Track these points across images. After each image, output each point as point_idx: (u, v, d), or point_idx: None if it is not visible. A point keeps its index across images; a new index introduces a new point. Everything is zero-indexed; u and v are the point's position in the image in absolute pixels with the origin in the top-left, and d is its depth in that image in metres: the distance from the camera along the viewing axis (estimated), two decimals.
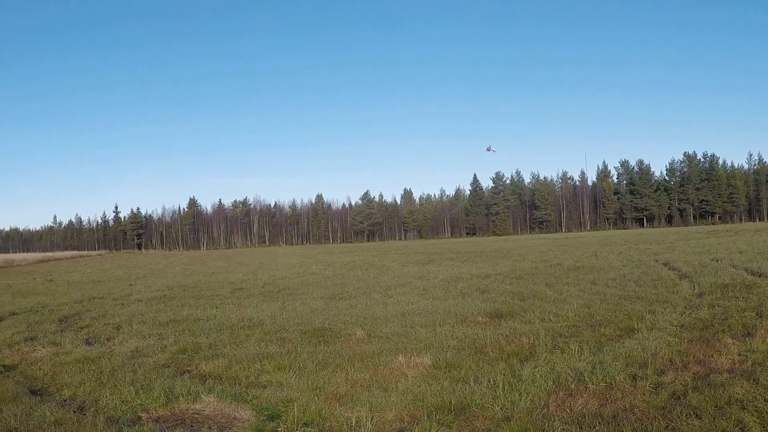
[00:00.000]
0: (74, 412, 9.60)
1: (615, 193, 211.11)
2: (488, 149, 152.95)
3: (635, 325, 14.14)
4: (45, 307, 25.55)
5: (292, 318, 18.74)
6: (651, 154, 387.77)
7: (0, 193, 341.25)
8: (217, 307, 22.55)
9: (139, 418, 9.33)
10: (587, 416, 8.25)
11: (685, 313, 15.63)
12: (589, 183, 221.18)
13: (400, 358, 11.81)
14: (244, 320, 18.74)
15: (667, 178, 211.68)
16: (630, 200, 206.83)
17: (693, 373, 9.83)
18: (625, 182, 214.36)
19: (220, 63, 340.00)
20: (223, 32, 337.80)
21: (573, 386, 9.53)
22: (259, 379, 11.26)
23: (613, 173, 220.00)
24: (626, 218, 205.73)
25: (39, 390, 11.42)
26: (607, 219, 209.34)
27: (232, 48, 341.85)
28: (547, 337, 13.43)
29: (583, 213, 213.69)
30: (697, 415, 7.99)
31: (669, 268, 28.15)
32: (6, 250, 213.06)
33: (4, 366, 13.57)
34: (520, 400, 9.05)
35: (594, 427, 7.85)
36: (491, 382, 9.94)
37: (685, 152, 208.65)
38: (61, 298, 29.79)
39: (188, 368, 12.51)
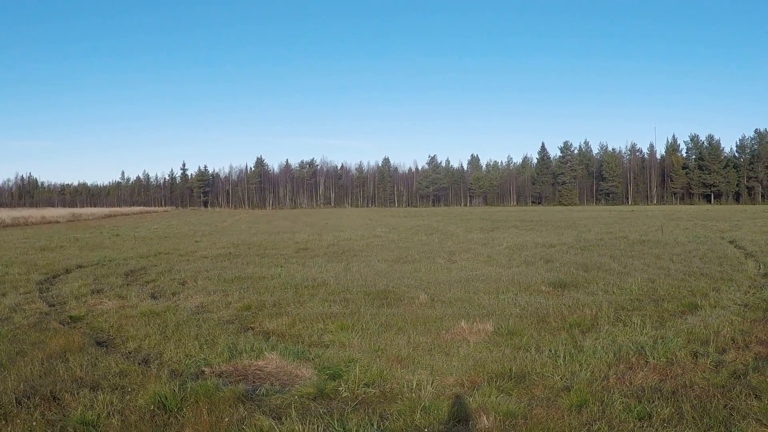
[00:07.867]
0: (139, 364, 9.81)
1: (683, 168, 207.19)
2: None
3: (698, 302, 14.11)
4: (111, 260, 26.01)
5: (356, 279, 18.91)
6: (722, 128, 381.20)
7: (69, 149, 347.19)
8: (281, 266, 22.76)
9: (203, 372, 9.47)
10: (647, 390, 8.23)
11: (749, 292, 15.52)
12: (658, 156, 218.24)
13: (462, 323, 11.88)
14: (308, 280, 18.93)
15: (737, 154, 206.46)
16: (698, 176, 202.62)
17: (755, 353, 9.73)
18: (694, 157, 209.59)
19: (291, 24, 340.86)
20: None
21: (634, 360, 9.52)
22: (321, 339, 11.41)
23: (683, 147, 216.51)
24: (693, 194, 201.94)
25: (105, 341, 11.66)
26: (674, 194, 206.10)
27: (303, 8, 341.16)
28: (610, 309, 13.45)
29: (650, 186, 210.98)
30: (756, 395, 7.90)
31: (735, 247, 27.89)
32: (74, 205, 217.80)
33: (71, 317, 13.90)
34: (581, 370, 9.07)
35: (653, 401, 7.81)
36: (552, 352, 9.98)
37: (756, 129, 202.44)
38: (127, 252, 30.31)
39: (252, 325, 12.72)
